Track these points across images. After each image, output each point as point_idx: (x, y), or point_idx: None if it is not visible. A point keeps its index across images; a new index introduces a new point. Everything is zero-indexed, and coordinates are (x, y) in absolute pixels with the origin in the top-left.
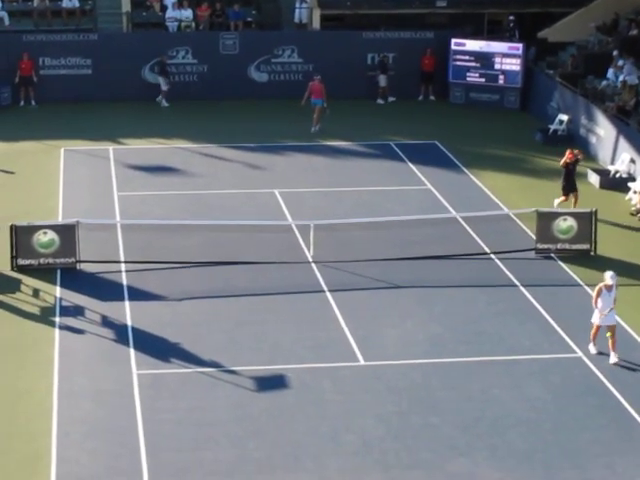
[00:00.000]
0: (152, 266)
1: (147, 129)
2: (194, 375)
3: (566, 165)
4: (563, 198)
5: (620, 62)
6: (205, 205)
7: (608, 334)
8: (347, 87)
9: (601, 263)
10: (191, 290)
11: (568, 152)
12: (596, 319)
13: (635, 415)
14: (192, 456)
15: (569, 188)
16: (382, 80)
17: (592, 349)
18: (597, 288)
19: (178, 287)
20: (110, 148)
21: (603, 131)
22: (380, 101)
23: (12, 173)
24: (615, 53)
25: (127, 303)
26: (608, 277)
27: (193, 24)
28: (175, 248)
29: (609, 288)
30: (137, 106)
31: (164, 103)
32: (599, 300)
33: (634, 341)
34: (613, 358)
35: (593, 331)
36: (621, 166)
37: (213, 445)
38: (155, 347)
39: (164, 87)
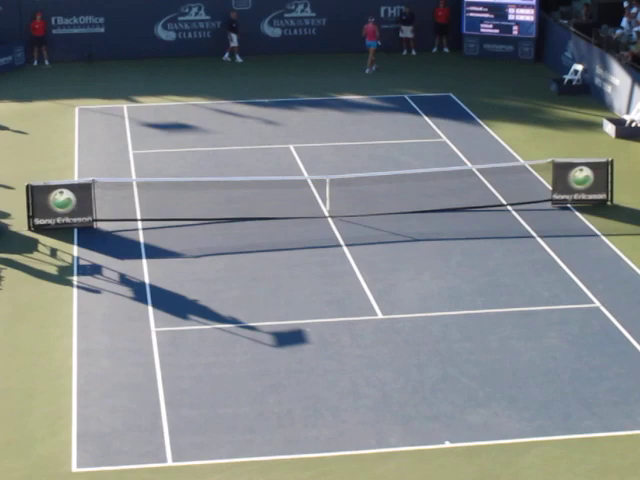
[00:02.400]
0: (168, 223)
1: (161, 86)
2: (212, 331)
3: None
4: None
5: (634, 9)
6: (220, 162)
7: None
8: (362, 40)
9: (618, 213)
10: (208, 247)
11: None
12: None
13: None
14: (212, 412)
15: None
16: (407, 31)
17: None
18: None
19: (195, 244)
20: (124, 106)
21: (618, 80)
22: (405, 52)
23: (25, 134)
24: (626, 3)
25: (144, 261)
26: None
27: None
28: (191, 205)
29: None
30: (150, 64)
31: (238, 59)
32: None
33: None
34: None
35: None
36: (636, 115)
37: (233, 401)
38: (173, 304)
39: (235, 43)
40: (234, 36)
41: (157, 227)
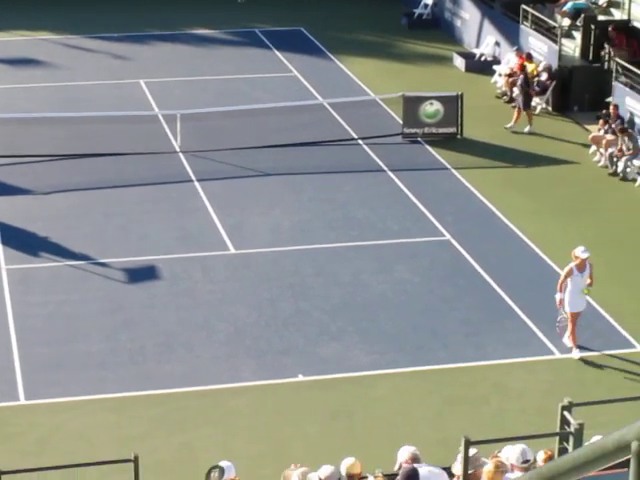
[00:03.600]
0: (18, 160)
1: (7, 21)
2: (64, 269)
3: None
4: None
5: None
6: (71, 97)
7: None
8: None
9: (467, 146)
10: (58, 183)
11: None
12: (567, 305)
13: (503, 295)
14: (64, 349)
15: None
16: None
17: (576, 353)
18: (567, 269)
19: (45, 181)
20: None
21: (468, 15)
22: None
23: None
24: None
25: None
26: (580, 252)
27: None
28: (41, 141)
29: (581, 267)
30: None
31: None
32: (568, 282)
33: (501, 222)
34: (576, 352)
35: (570, 327)
36: (486, 49)
37: (85, 338)
38: (24, 242)
39: None
40: None
41: (6, 164)
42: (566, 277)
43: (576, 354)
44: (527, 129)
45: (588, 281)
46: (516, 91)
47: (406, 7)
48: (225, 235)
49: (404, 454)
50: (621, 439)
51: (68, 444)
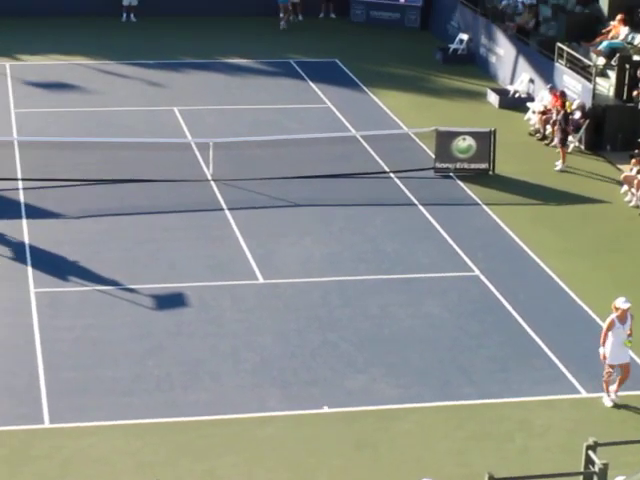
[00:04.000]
0: (50, 184)
1: (44, 45)
2: (92, 293)
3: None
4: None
5: None
6: (104, 122)
7: (614, 374)
8: (247, 4)
9: (499, 182)
10: (89, 208)
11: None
12: (608, 357)
13: (531, 332)
14: (91, 374)
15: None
16: None
17: (607, 401)
18: (608, 321)
19: (76, 205)
20: (7, 64)
21: (503, 51)
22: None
23: None
24: None
25: (25, 221)
26: (621, 303)
27: None
28: (73, 166)
29: (623, 318)
30: (33, 21)
31: (132, 18)
32: (609, 334)
33: (531, 259)
34: (608, 400)
35: (606, 377)
36: (520, 86)
37: (112, 363)
38: (53, 265)
39: (128, 2)
40: None
41: (38, 187)
42: (608, 329)
43: (608, 402)
44: (559, 167)
45: (628, 332)
46: (552, 128)
47: (441, 42)
48: (254, 264)
49: None
50: None
51: (91, 469)
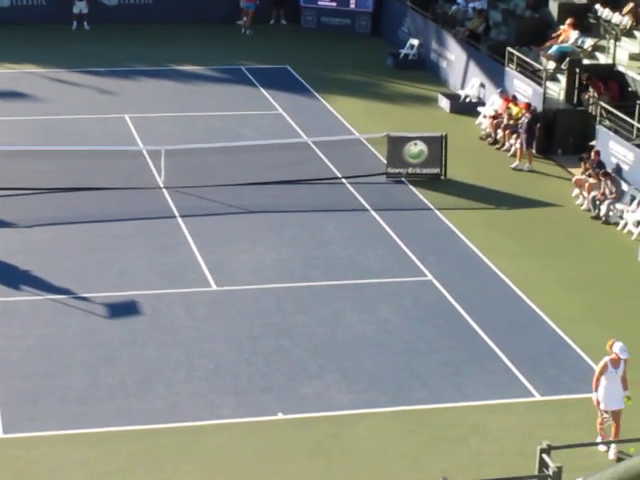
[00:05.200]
0: (1, 193)
1: None
2: (44, 302)
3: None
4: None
5: None
6: (55, 131)
7: (610, 421)
8: (198, 11)
9: (451, 187)
10: (41, 217)
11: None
12: (602, 403)
13: (484, 336)
14: (44, 383)
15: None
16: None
17: (611, 454)
18: (601, 365)
19: (27, 214)
20: None
21: (453, 56)
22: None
23: None
24: None
25: None
26: (618, 349)
27: None
28: (24, 174)
29: (616, 363)
30: None
31: (86, 26)
32: (602, 379)
33: (483, 263)
34: (612, 454)
35: (600, 423)
36: (471, 91)
37: (65, 372)
38: (5, 274)
39: (78, 10)
40: (80, 3)
41: None
42: (600, 374)
43: (612, 456)
44: (526, 167)
45: (625, 393)
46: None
47: (392, 47)
48: (207, 272)
49: None
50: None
51: (45, 479)
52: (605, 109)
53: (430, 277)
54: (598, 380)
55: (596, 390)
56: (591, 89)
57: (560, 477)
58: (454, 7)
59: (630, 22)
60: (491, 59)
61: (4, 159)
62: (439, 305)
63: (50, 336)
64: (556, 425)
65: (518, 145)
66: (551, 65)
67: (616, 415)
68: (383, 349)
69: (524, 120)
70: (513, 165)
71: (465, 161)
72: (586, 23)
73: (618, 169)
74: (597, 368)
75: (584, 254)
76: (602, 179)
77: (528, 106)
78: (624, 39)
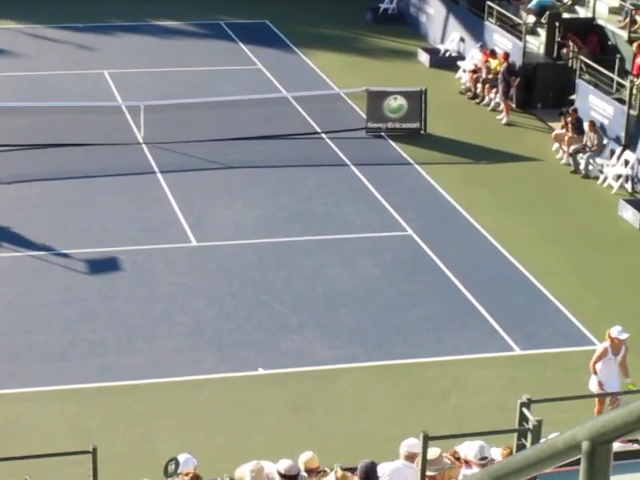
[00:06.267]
0: None
1: None
2: (24, 259)
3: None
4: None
5: None
6: (34, 87)
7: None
8: None
9: (431, 142)
10: (20, 173)
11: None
12: (605, 384)
13: (464, 291)
14: (23, 340)
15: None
16: None
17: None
18: (600, 350)
19: (6, 170)
20: None
21: (433, 10)
22: None
23: None
24: None
25: None
26: (616, 332)
27: None
28: (3, 131)
29: (617, 349)
30: None
31: None
32: (600, 363)
33: (463, 217)
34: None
35: (597, 409)
36: (450, 45)
37: (45, 329)
38: None
39: None
40: None
41: None
42: (599, 358)
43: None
44: (504, 120)
45: (625, 368)
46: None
47: (371, 2)
48: (187, 227)
49: (402, 447)
50: (571, 439)
51: (25, 435)
52: (585, 63)
53: (410, 232)
54: (595, 365)
55: (595, 373)
56: (570, 43)
57: (540, 430)
58: None
59: None
60: (471, 13)
61: None
62: (419, 260)
63: (30, 292)
64: (536, 379)
65: (498, 99)
66: (531, 19)
67: (614, 401)
68: (364, 304)
69: (500, 70)
70: (503, 121)
71: (445, 116)
72: None
73: (598, 123)
74: (595, 353)
75: (564, 208)
76: (586, 131)
77: (506, 56)
78: None
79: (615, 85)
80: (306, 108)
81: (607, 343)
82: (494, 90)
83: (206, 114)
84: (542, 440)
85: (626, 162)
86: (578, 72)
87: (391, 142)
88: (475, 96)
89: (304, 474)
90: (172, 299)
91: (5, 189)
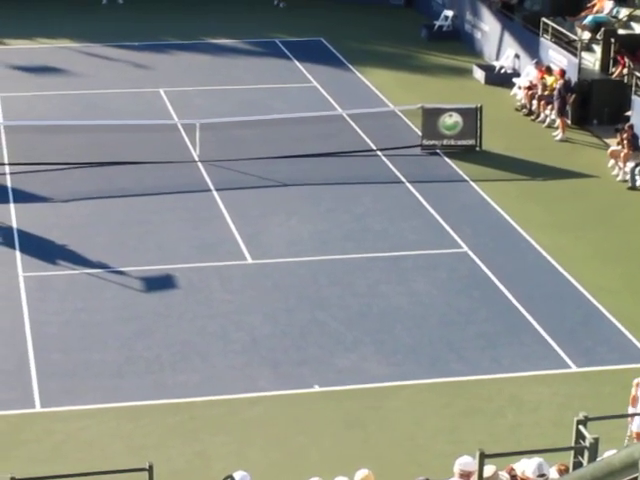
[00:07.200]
0: (36, 168)
1: (28, 28)
2: (81, 277)
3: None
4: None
5: None
6: (90, 105)
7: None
8: None
9: (486, 158)
10: (76, 191)
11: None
12: (635, 424)
13: (520, 307)
14: (80, 357)
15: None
16: None
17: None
18: (637, 381)
19: (63, 188)
20: None
21: (488, 27)
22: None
23: None
24: None
25: (12, 206)
26: None
27: None
28: (60, 149)
29: None
30: (17, 4)
31: (120, 0)
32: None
33: (518, 234)
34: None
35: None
36: (506, 62)
37: (101, 346)
38: (41, 249)
39: None
40: None
41: (24, 172)
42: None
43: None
44: (559, 137)
45: None
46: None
47: (426, 19)
48: (243, 245)
49: (456, 466)
50: (628, 457)
51: (82, 452)
52: None
53: (465, 249)
54: (635, 397)
55: (633, 406)
56: (626, 59)
57: (597, 448)
58: None
59: None
60: (526, 30)
61: (39, 134)
62: (475, 277)
63: (86, 310)
64: (592, 396)
65: (553, 116)
66: (586, 35)
67: None
68: (419, 321)
69: (557, 87)
70: (557, 138)
71: (500, 132)
72: None
73: None
74: (634, 385)
75: (620, 225)
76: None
77: (562, 73)
78: None
79: None
80: (361, 125)
81: None
82: (549, 107)
83: (261, 132)
84: (599, 458)
85: None
86: (634, 88)
87: (446, 159)
88: (530, 113)
89: None
90: (227, 316)
91: (62, 207)
